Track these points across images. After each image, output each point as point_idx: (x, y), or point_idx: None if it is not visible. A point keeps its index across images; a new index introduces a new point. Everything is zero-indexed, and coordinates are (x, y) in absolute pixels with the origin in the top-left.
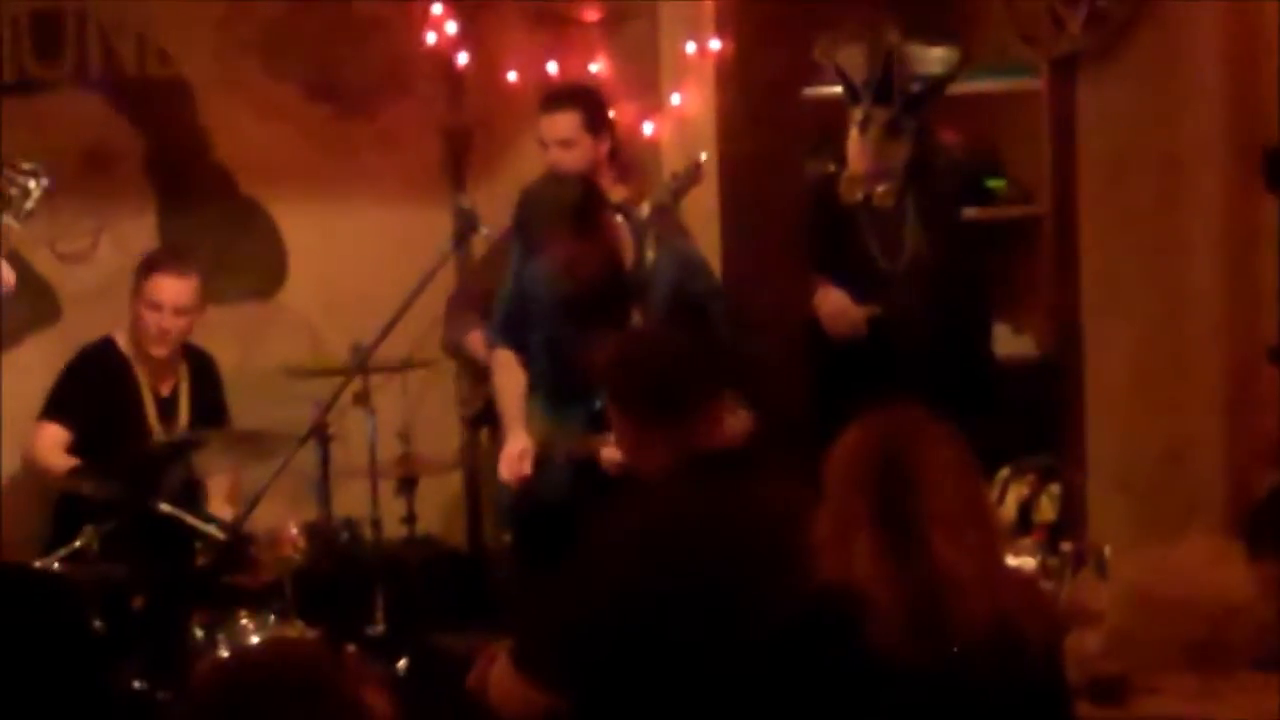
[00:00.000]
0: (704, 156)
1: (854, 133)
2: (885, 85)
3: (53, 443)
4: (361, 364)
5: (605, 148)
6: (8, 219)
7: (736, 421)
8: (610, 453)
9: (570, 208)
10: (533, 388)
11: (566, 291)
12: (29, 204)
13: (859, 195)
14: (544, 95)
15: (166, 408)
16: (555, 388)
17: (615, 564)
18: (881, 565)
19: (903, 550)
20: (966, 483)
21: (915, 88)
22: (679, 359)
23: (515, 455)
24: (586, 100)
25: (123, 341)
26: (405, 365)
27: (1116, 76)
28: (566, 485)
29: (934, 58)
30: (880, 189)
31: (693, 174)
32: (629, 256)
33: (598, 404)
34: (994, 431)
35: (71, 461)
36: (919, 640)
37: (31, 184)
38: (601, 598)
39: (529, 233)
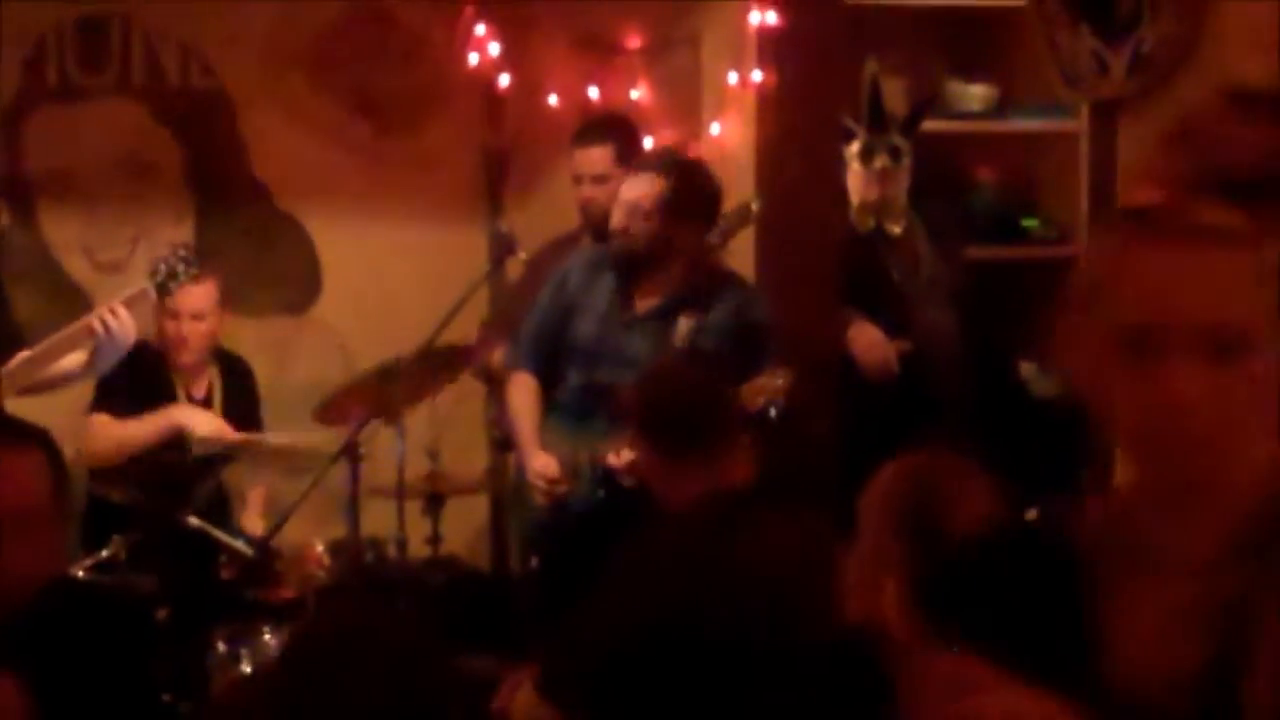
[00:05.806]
0: (755, 205)
1: (855, 166)
2: (876, 113)
3: (107, 428)
4: (393, 384)
5: None
6: (148, 286)
7: (776, 381)
8: (623, 460)
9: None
10: (555, 409)
11: None
12: (173, 285)
13: (871, 224)
14: (577, 129)
15: None
16: (581, 410)
17: (641, 595)
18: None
19: None
20: None
21: (903, 112)
22: (704, 394)
23: (543, 475)
24: (619, 133)
25: (156, 345)
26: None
27: (1158, 119)
28: (594, 510)
29: (972, 95)
30: (890, 215)
31: (743, 216)
32: None
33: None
34: (1023, 471)
35: (129, 432)
36: None
37: (180, 269)
38: (628, 628)
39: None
